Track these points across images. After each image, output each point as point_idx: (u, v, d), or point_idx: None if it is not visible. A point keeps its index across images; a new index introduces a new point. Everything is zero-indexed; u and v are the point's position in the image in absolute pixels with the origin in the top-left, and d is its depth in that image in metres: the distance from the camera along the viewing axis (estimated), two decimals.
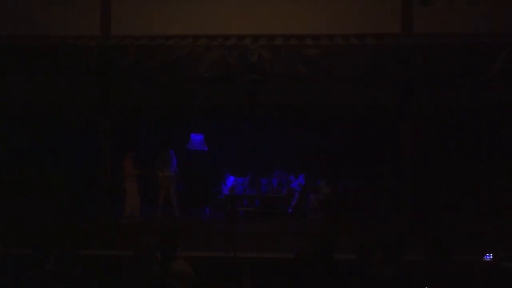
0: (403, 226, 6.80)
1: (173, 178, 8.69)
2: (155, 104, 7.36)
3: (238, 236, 6.27)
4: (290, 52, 6.87)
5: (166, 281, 3.65)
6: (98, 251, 6.03)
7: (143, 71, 7.04)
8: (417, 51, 6.77)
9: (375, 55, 6.82)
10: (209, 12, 7.05)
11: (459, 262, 5.29)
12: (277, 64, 6.89)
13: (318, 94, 7.18)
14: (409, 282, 4.19)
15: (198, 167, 10.05)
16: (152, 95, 7.31)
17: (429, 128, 8.29)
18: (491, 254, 4.75)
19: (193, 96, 7.27)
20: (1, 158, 8.11)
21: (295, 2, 7.02)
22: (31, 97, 7.30)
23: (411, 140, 7.04)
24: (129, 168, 8.09)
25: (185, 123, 9.77)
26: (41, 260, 4.04)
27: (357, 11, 6.91)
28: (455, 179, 8.53)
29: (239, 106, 7.28)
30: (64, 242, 4.54)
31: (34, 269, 3.86)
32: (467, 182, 8.39)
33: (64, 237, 6.18)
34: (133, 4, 7.16)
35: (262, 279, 6.35)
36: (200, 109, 7.37)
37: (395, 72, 6.88)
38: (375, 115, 8.26)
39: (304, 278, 3.62)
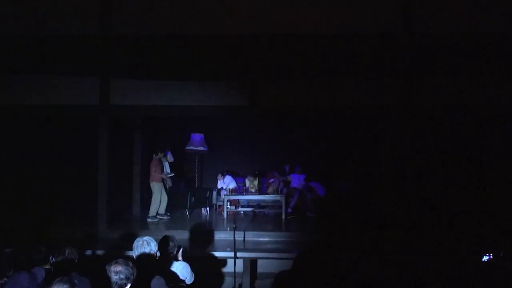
0: (403, 226, 6.79)
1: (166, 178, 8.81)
2: (155, 103, 7.35)
3: (238, 236, 6.28)
4: (290, 52, 6.88)
5: (163, 282, 3.64)
6: (98, 251, 6.03)
7: (143, 71, 7.07)
8: (417, 51, 6.79)
9: (375, 55, 6.84)
10: (209, 12, 7.04)
11: (459, 262, 5.30)
12: (277, 64, 6.91)
13: (318, 94, 7.17)
14: (408, 282, 4.18)
15: (197, 167, 10.06)
16: (152, 95, 7.30)
17: (429, 128, 8.29)
18: (491, 254, 4.75)
19: (193, 96, 7.26)
20: (1, 158, 8.11)
21: (295, 2, 7.02)
22: (31, 97, 7.29)
23: (411, 139, 7.03)
24: (157, 168, 8.23)
25: (185, 123, 9.77)
26: (40, 260, 4.05)
27: (357, 11, 6.91)
28: (455, 179, 8.53)
29: (239, 106, 7.27)
30: (64, 242, 4.53)
31: (34, 269, 3.86)
32: (467, 181, 8.39)
33: (64, 237, 6.20)
34: (133, 3, 7.15)
35: (262, 279, 6.36)
36: (200, 109, 7.35)
37: (395, 71, 6.89)
38: (375, 114, 8.25)
39: (303, 278, 3.62)
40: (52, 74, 7.18)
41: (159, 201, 8.21)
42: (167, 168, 8.85)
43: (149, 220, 8.04)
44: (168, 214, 8.42)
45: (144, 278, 3.60)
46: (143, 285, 3.54)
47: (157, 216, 8.17)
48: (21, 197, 8.11)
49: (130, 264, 3.30)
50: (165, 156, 8.79)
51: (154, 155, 8.37)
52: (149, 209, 8.18)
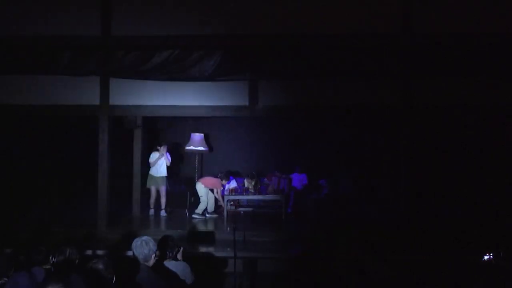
0: (402, 226, 6.79)
1: (164, 178, 8.85)
2: (155, 103, 7.36)
3: (238, 236, 6.27)
4: (290, 52, 6.88)
5: (156, 281, 3.65)
6: (98, 251, 6.03)
7: (143, 71, 7.07)
8: (417, 51, 6.79)
9: (375, 55, 6.84)
10: (209, 12, 7.05)
11: (459, 262, 5.31)
12: (277, 64, 6.91)
13: (318, 94, 7.18)
14: (408, 282, 4.19)
15: (197, 167, 10.06)
16: (152, 95, 7.31)
17: (429, 128, 8.29)
18: (491, 254, 4.75)
19: (194, 96, 7.27)
20: (1, 158, 8.12)
21: (295, 2, 7.02)
22: (31, 97, 7.29)
23: (411, 139, 7.04)
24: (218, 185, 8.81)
25: (185, 123, 9.77)
26: (40, 260, 4.06)
27: (357, 11, 6.91)
28: (455, 179, 8.54)
29: (239, 106, 7.27)
30: (64, 242, 4.53)
31: (34, 269, 3.86)
32: (467, 181, 8.39)
33: (64, 237, 6.19)
34: (133, 4, 7.16)
35: (262, 279, 6.36)
36: (201, 109, 7.35)
37: (395, 71, 6.89)
38: (374, 114, 8.26)
39: (303, 277, 3.63)
40: (52, 74, 7.17)
41: (207, 200, 8.52)
42: (161, 168, 8.86)
43: (194, 216, 8.34)
44: (215, 212, 8.73)
45: (142, 278, 3.61)
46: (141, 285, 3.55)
47: (207, 214, 8.51)
48: (21, 197, 8.11)
49: (105, 258, 3.40)
50: (163, 155, 8.80)
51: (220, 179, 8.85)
52: (196, 207, 8.50)
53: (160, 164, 8.69)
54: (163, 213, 8.66)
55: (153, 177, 8.71)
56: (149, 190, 8.82)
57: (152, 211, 8.74)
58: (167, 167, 8.82)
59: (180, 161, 10.13)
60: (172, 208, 8.98)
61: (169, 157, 8.82)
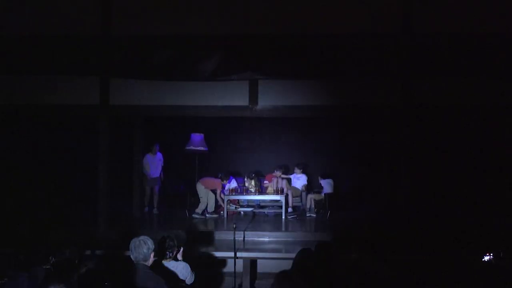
0: (402, 226, 6.79)
1: (158, 179, 9.19)
2: (155, 103, 7.35)
3: (238, 236, 6.27)
4: (290, 52, 6.88)
5: (163, 281, 3.65)
6: (98, 251, 6.03)
7: (143, 71, 7.07)
8: (417, 51, 6.79)
9: (375, 55, 6.83)
10: (209, 12, 7.04)
11: (459, 262, 5.30)
12: (277, 64, 6.91)
13: (318, 94, 7.17)
14: (407, 281, 4.19)
15: (197, 167, 10.05)
16: (152, 95, 7.30)
17: (429, 128, 8.29)
18: (491, 254, 4.76)
19: (193, 96, 7.26)
20: (0, 158, 8.11)
21: (295, 1, 7.02)
22: (30, 97, 7.28)
23: (411, 139, 7.03)
24: (218, 186, 8.90)
25: (185, 123, 9.77)
26: (40, 260, 4.06)
27: (357, 11, 6.91)
28: (455, 179, 8.54)
29: (239, 106, 7.27)
30: (64, 242, 4.53)
31: (34, 269, 3.87)
32: (467, 181, 8.39)
33: (64, 237, 6.19)
34: (133, 4, 7.15)
35: (262, 279, 6.36)
36: (201, 109, 7.35)
37: (395, 71, 6.89)
38: (374, 114, 8.25)
39: (303, 278, 3.62)
40: (52, 74, 7.17)
41: (206, 201, 8.60)
42: (156, 169, 9.03)
43: (194, 216, 8.43)
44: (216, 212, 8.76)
45: (141, 278, 3.61)
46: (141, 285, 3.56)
47: (206, 214, 8.57)
48: (21, 197, 8.10)
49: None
50: (155, 154, 9.04)
51: (221, 180, 8.95)
52: (196, 207, 8.61)
53: (155, 164, 8.99)
54: (155, 211, 8.98)
55: (148, 176, 8.92)
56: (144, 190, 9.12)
57: (146, 209, 9.02)
58: (163, 167, 9.18)
59: (177, 160, 10.18)
60: (172, 208, 9.01)
61: (161, 157, 9.17)
